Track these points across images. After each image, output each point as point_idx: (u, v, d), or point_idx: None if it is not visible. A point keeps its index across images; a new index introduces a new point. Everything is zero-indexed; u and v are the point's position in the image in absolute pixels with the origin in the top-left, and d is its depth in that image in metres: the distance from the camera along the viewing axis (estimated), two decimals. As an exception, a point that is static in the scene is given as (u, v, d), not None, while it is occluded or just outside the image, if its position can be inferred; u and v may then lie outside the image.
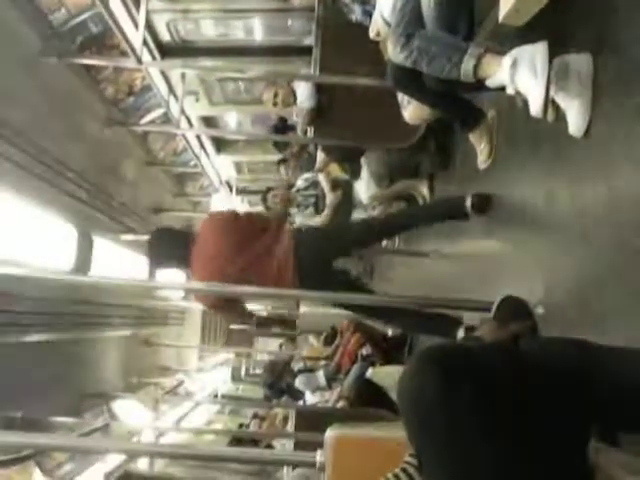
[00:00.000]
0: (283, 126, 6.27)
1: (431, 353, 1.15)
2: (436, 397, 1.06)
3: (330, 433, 1.91)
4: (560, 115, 2.07)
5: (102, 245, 6.37)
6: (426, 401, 1.08)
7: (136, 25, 4.53)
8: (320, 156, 5.78)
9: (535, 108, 1.99)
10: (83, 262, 5.86)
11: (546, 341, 1.49)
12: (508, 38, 2.43)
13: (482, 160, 3.08)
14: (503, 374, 1.14)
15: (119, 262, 7.12)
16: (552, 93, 2.00)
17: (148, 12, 4.52)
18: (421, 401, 1.09)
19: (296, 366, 7.67)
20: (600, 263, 1.82)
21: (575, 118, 1.97)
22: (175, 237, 3.55)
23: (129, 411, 6.94)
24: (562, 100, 2.01)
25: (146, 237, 3.79)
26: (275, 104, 5.43)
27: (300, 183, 6.54)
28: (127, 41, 4.60)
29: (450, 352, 1.17)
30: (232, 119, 8.33)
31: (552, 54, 1.97)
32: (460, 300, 2.85)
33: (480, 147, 3.06)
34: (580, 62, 1.96)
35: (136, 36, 4.49)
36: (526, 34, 2.28)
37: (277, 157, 7.18)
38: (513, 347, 1.31)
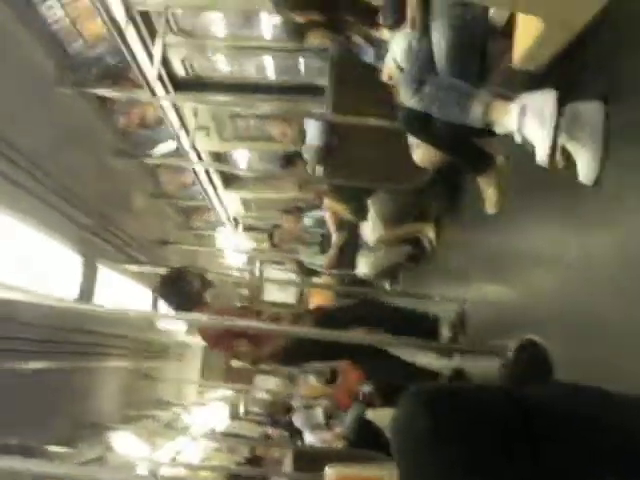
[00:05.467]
0: (294, 154, 6.26)
1: (419, 395, 1.15)
2: (425, 438, 1.06)
3: (329, 470, 1.88)
4: (571, 162, 2.07)
5: (106, 274, 6.36)
6: (416, 443, 1.08)
7: (152, 59, 4.59)
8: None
9: (541, 157, 1.99)
10: (86, 291, 5.85)
11: (554, 385, 1.47)
12: (520, 83, 2.45)
13: (490, 205, 3.07)
14: (496, 415, 1.13)
15: (123, 292, 7.10)
16: (563, 141, 2.00)
17: (164, 46, 4.59)
18: (411, 443, 1.09)
19: (295, 404, 7.59)
20: (608, 313, 1.80)
21: (585, 166, 1.97)
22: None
23: (125, 443, 6.85)
24: (572, 148, 2.01)
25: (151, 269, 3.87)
26: (282, 141, 5.49)
27: (307, 221, 6.54)
28: (142, 74, 4.66)
29: (438, 393, 1.17)
30: (242, 156, 8.37)
31: (563, 101, 1.98)
32: (472, 343, 2.81)
33: (488, 192, 3.06)
34: (591, 110, 1.97)
35: (151, 70, 4.54)
36: (538, 79, 2.30)
37: (286, 195, 7.19)
38: (515, 389, 1.29)
